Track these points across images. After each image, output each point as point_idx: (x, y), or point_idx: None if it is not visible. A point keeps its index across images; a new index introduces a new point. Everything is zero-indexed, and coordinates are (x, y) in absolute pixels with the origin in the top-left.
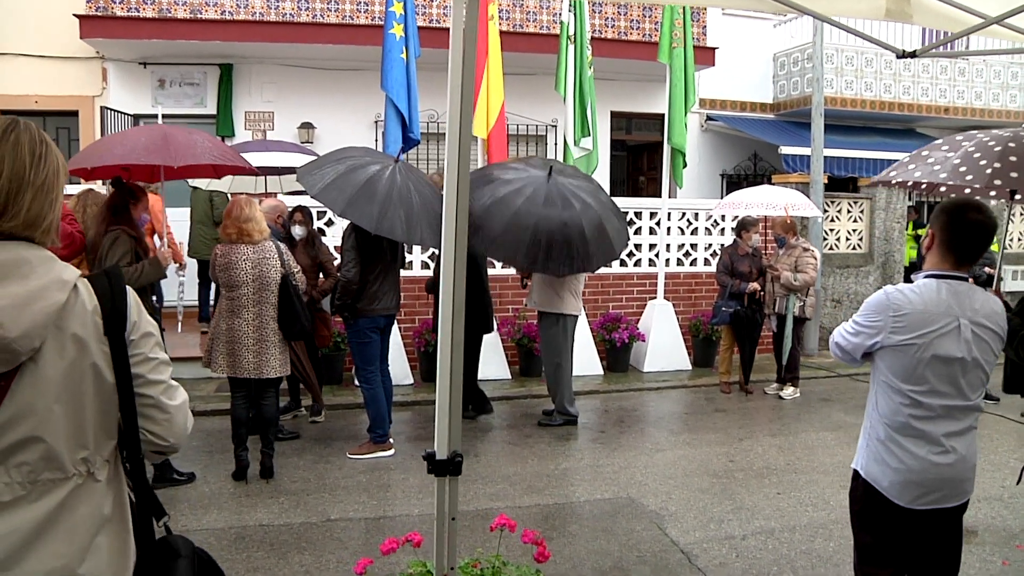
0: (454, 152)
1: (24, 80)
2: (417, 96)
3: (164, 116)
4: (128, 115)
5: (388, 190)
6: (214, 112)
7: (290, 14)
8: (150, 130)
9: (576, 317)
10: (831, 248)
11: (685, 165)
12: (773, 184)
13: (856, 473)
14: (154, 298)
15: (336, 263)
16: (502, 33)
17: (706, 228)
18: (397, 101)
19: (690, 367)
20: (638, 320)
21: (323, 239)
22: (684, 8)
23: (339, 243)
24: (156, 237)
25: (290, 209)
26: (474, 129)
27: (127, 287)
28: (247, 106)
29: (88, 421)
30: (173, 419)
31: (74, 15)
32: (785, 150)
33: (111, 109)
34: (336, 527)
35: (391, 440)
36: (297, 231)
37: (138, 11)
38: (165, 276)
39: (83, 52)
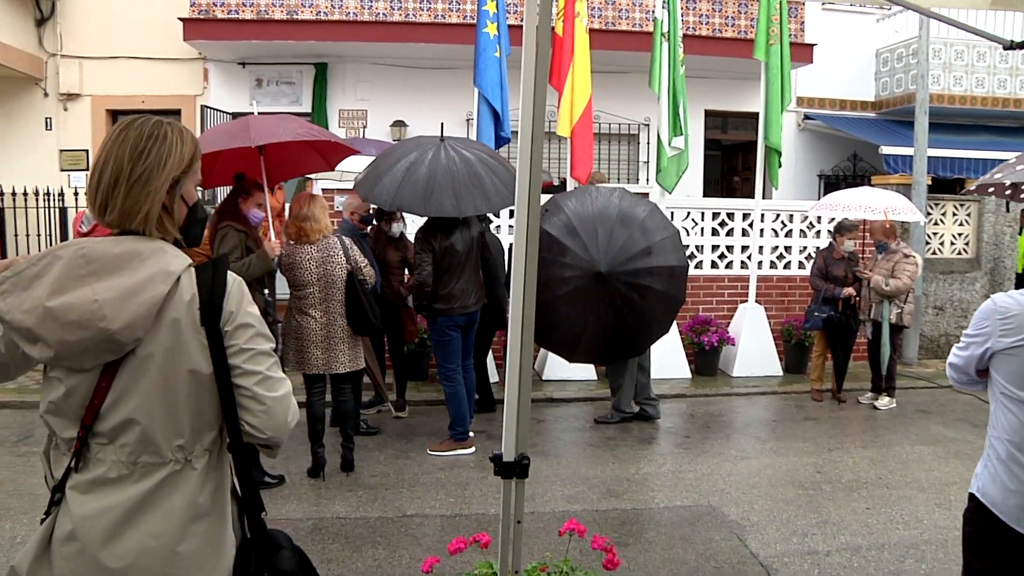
0: (526, 150)
1: (132, 81)
2: (508, 94)
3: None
4: (227, 113)
5: (431, 171)
6: (309, 110)
7: (383, 14)
8: (237, 120)
9: None
10: (934, 253)
11: (780, 165)
12: (873, 186)
13: (972, 496)
14: (266, 292)
15: None
16: (593, 31)
17: (801, 230)
18: (491, 99)
19: (781, 373)
20: (728, 323)
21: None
22: (781, 3)
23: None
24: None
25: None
26: (558, 128)
27: (235, 278)
28: (341, 104)
29: (183, 409)
30: (271, 411)
31: (178, 18)
32: (886, 150)
33: (211, 108)
34: (412, 523)
35: (472, 437)
36: (393, 228)
37: (238, 13)
38: (274, 269)
39: (186, 54)
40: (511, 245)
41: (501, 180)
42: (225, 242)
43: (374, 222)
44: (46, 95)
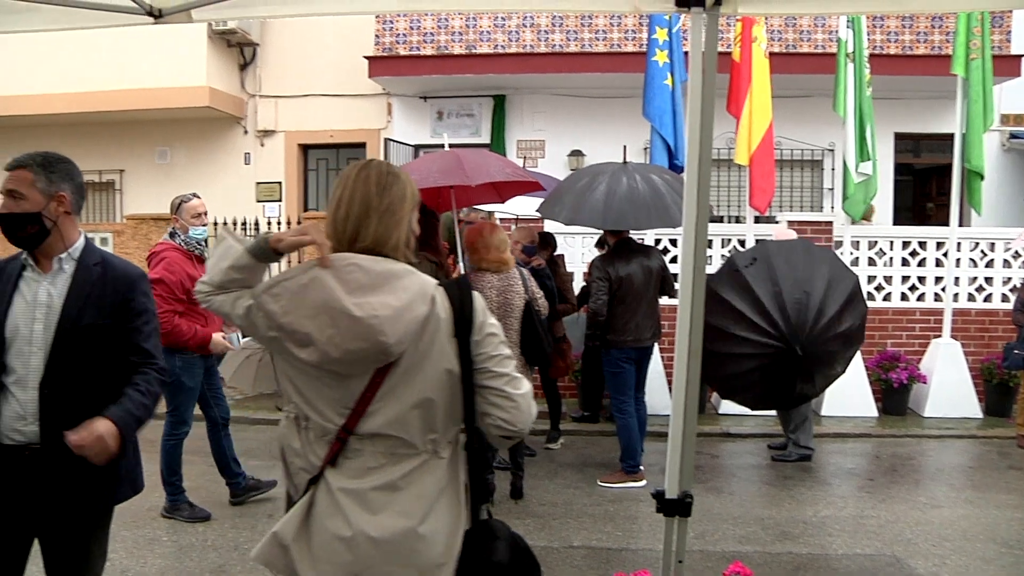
0: (693, 179)
1: (322, 117)
2: (683, 122)
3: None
4: (410, 146)
5: (610, 188)
6: (488, 141)
7: (559, 45)
8: (443, 155)
9: None
10: None
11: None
12: None
13: None
14: None
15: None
16: (773, 55)
17: (1005, 260)
18: (660, 129)
19: (980, 415)
20: (919, 360)
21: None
22: (983, 14)
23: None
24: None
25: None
26: (736, 156)
27: (477, 294)
28: (519, 135)
29: (437, 408)
30: (519, 407)
31: (364, 57)
32: None
33: (394, 140)
34: (576, 554)
35: (643, 470)
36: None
37: (419, 50)
38: None
39: (371, 90)
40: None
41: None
42: (422, 270)
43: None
44: (245, 132)
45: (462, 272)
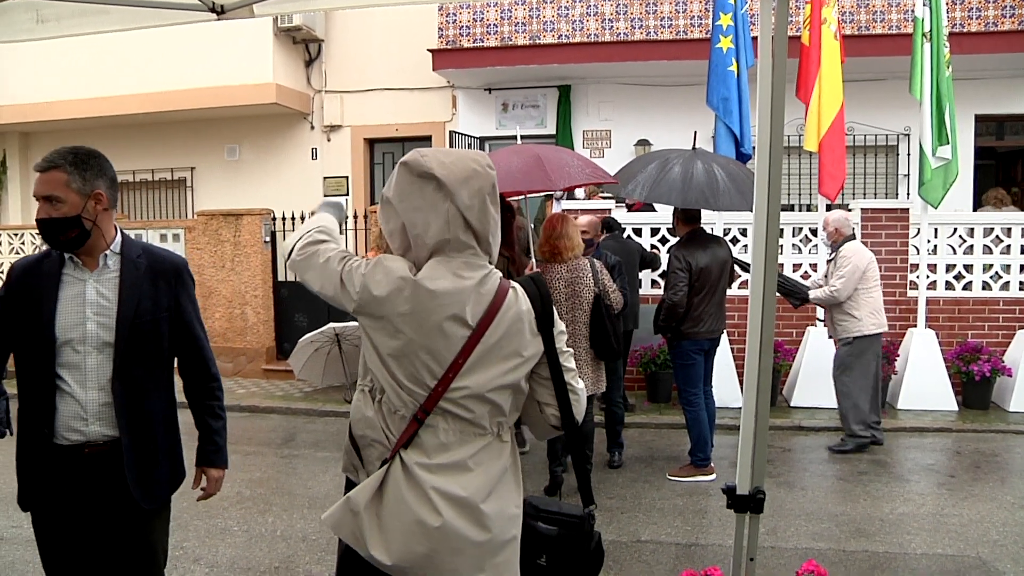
0: (764, 167)
1: (386, 111)
2: (749, 110)
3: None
4: (475, 138)
5: (686, 169)
6: (553, 132)
7: (624, 33)
8: (519, 153)
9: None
10: None
11: None
12: None
13: None
14: None
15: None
16: (845, 37)
17: None
18: (724, 117)
19: None
20: (1003, 351)
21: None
22: None
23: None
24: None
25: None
26: (805, 142)
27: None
28: (585, 125)
29: (509, 395)
30: (580, 400)
31: (427, 50)
32: None
33: (459, 133)
34: (645, 549)
35: (713, 464)
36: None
37: (483, 41)
38: None
39: (435, 83)
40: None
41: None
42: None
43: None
44: (312, 128)
45: (534, 266)
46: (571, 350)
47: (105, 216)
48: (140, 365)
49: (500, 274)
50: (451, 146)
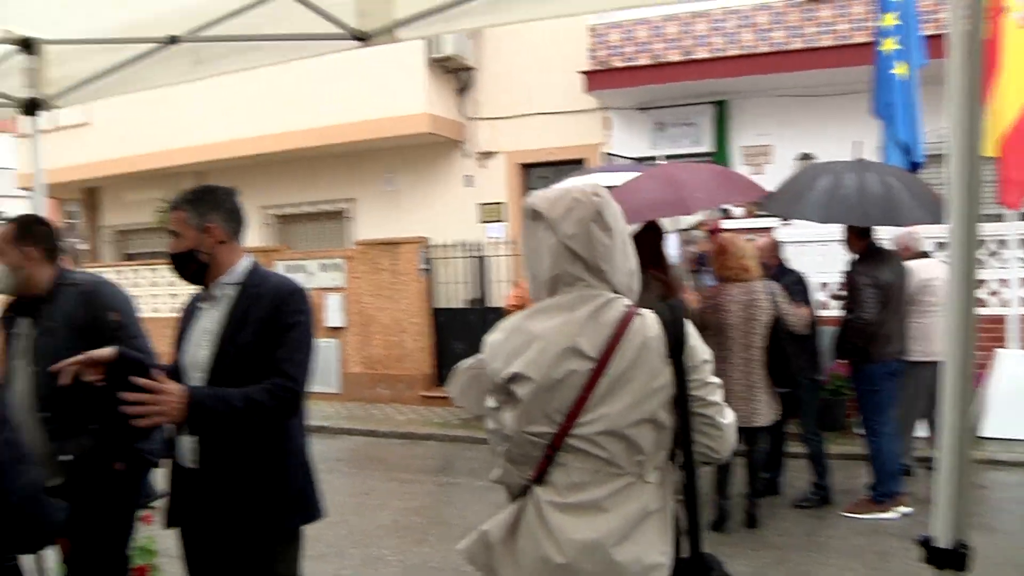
0: (960, 175)
1: (540, 136)
2: (919, 115)
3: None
4: (629, 159)
5: (861, 183)
6: (710, 150)
7: (780, 43)
8: (655, 179)
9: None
10: None
11: None
12: None
13: None
14: None
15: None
16: None
17: None
18: (891, 126)
19: None
20: None
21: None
22: None
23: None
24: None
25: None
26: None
27: (687, 320)
28: (743, 141)
29: (645, 430)
30: (724, 435)
31: (579, 72)
32: None
33: (614, 155)
34: None
35: (893, 501)
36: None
37: (634, 60)
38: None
39: (587, 105)
40: None
41: (930, 199)
42: (646, 293)
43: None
44: (465, 155)
45: (690, 294)
46: (718, 381)
47: (222, 248)
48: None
49: (626, 301)
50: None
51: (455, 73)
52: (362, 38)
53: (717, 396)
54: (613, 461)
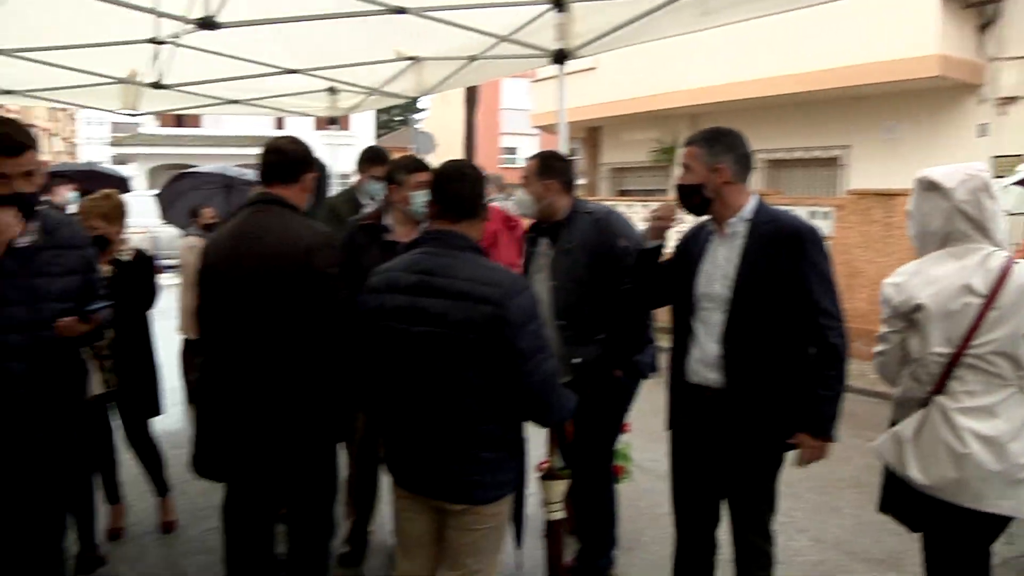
0: None
1: None
2: None
3: None
4: None
5: None
6: None
7: None
8: None
9: None
10: None
11: None
12: None
13: None
14: None
15: None
16: None
17: None
18: None
19: None
20: None
21: None
22: None
23: None
24: None
25: None
26: None
27: None
28: None
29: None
30: None
31: None
32: None
33: None
34: None
35: None
36: None
37: None
38: None
39: None
40: None
41: None
42: None
43: None
44: (981, 101)
45: None
46: None
47: (729, 188)
48: (754, 327)
49: (1004, 253)
50: None
51: (977, 7)
52: None
53: None
54: (1001, 375)
